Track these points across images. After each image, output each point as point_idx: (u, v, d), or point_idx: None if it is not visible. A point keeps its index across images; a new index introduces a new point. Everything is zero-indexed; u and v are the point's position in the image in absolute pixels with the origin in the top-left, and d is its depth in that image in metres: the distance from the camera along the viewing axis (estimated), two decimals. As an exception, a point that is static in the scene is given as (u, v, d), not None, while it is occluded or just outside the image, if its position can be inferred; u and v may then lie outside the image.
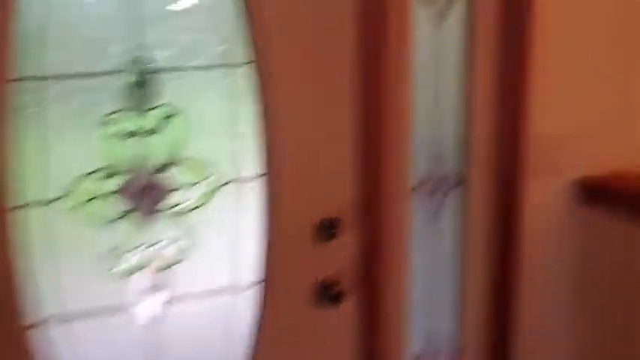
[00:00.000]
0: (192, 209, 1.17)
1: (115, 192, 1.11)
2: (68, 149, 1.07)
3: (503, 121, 1.36)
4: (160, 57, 1.10)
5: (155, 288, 1.17)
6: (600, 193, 1.35)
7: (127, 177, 1.12)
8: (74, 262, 1.10)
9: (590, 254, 1.40)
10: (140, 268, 1.16)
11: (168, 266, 1.18)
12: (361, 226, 1.30)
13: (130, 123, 1.10)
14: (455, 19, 1.32)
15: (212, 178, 1.18)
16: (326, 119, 1.24)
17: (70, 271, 1.10)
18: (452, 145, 1.38)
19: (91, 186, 1.09)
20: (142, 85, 1.10)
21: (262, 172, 1.22)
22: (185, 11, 1.11)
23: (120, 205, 1.12)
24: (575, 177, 1.40)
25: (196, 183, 1.17)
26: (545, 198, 1.38)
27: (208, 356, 1.24)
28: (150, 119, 1.12)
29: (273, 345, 1.27)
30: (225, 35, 1.15)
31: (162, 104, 1.12)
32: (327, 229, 1.27)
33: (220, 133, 1.18)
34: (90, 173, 1.09)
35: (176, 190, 1.16)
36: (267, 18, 1.15)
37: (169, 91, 1.11)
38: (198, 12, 1.12)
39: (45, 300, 1.09)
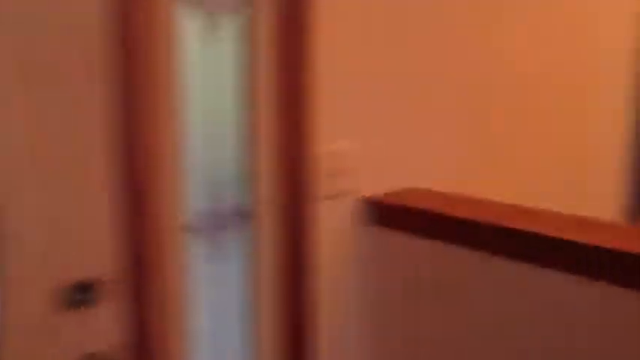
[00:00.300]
0: None
1: None
2: None
3: (284, 146, 1.24)
4: None
5: None
6: (387, 212, 1.35)
7: None
8: None
9: (382, 271, 1.38)
10: None
11: None
12: (128, 284, 1.07)
13: None
14: (228, 43, 1.16)
15: None
16: (76, 164, 1.00)
17: None
18: (232, 175, 1.22)
19: None
20: None
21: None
22: None
23: None
24: (361, 197, 1.37)
25: None
26: (332, 220, 1.32)
27: None
28: None
29: None
30: None
31: None
32: (81, 294, 1.03)
33: None
34: None
35: None
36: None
37: None
38: None
39: None
